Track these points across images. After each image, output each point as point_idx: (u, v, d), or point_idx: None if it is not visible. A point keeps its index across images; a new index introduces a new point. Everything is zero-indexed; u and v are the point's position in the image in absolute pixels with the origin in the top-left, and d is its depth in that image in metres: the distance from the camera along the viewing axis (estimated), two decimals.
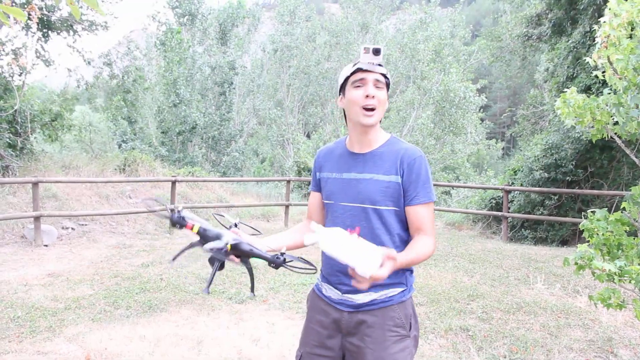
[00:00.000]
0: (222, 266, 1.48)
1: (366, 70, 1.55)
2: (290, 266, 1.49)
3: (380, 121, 1.64)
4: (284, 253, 1.49)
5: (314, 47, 23.26)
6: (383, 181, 1.56)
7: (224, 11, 21.64)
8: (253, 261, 1.53)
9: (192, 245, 1.54)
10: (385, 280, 1.56)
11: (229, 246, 1.45)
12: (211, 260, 1.48)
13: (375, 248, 1.31)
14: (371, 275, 1.27)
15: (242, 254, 1.48)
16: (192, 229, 1.49)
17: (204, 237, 1.49)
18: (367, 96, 1.54)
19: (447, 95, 19.77)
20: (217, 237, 1.48)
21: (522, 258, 6.82)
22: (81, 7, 9.96)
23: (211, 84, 20.59)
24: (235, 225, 1.60)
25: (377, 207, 1.56)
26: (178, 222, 1.49)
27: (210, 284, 1.45)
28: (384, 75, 1.58)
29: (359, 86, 1.57)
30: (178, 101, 18.61)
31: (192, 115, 18.66)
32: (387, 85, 1.60)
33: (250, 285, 1.62)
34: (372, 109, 1.55)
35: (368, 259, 1.27)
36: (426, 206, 1.56)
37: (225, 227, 1.57)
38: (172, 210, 1.49)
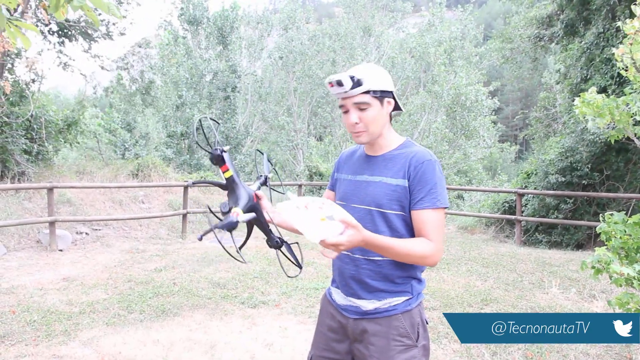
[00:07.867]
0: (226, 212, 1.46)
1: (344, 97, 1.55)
2: (281, 252, 1.50)
3: (391, 120, 1.64)
4: (286, 242, 1.49)
5: (318, 50, 23.20)
6: (391, 184, 1.55)
7: (220, 15, 21.51)
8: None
9: (214, 184, 1.58)
10: (389, 289, 1.57)
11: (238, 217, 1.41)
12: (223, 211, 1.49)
13: (337, 215, 1.26)
14: (323, 240, 1.24)
15: (251, 219, 1.50)
16: (224, 172, 1.51)
17: (230, 186, 1.51)
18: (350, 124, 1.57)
19: (458, 99, 19.61)
20: (237, 198, 1.48)
21: (536, 262, 6.73)
22: (100, 15, 10.09)
23: (214, 88, 20.67)
24: (265, 180, 1.66)
25: (383, 210, 1.55)
26: (215, 159, 1.50)
27: (205, 234, 1.38)
28: (368, 92, 1.52)
29: (344, 111, 1.59)
30: (180, 103, 18.72)
31: (195, 116, 18.69)
32: (379, 97, 1.55)
33: (241, 244, 1.58)
34: (360, 131, 1.57)
35: (320, 226, 1.23)
36: (431, 211, 1.50)
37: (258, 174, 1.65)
38: (216, 149, 1.51)
